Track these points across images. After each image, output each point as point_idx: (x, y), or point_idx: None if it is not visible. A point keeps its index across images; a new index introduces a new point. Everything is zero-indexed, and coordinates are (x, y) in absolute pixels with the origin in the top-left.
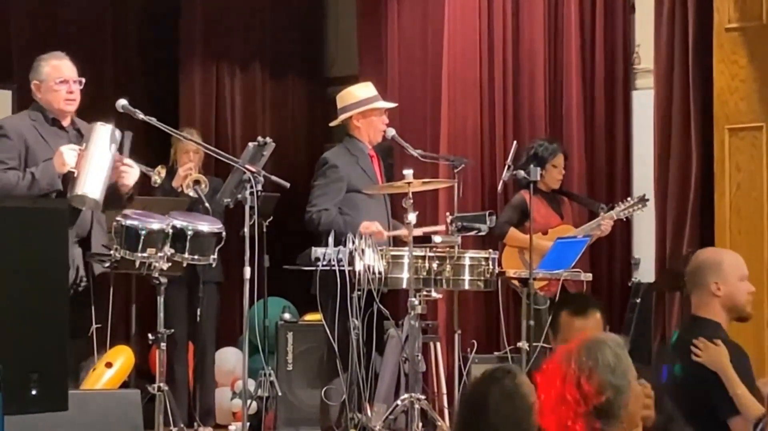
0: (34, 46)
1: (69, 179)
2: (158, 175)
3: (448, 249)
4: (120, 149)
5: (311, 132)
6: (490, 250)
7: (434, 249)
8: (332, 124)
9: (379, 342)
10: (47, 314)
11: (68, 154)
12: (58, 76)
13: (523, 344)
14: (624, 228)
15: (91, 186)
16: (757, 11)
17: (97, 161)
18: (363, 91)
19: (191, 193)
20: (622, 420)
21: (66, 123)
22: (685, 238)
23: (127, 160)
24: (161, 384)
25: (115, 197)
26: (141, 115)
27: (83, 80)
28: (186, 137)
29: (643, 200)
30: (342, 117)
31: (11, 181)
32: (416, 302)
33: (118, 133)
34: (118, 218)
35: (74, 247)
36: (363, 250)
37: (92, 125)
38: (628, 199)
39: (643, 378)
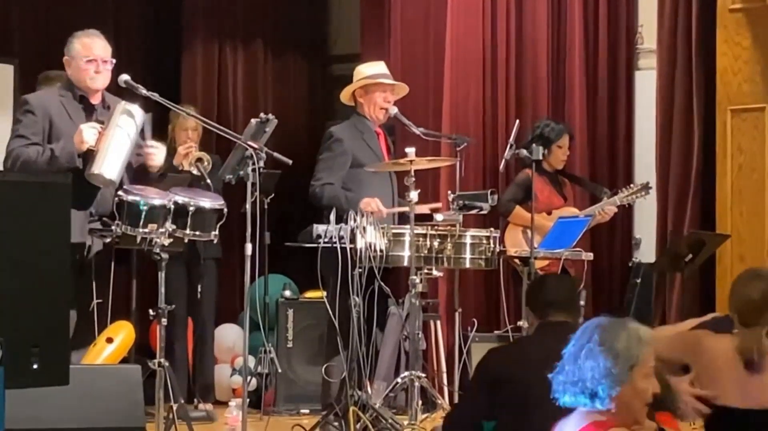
0: (35, 21)
1: (88, 157)
2: None
3: (449, 227)
4: (142, 130)
5: (313, 109)
6: (492, 229)
7: (435, 227)
8: (342, 97)
9: (380, 319)
10: (49, 288)
11: (88, 132)
12: (87, 54)
13: (523, 323)
14: (625, 207)
15: (108, 165)
16: None
17: (116, 140)
18: (370, 68)
19: (194, 171)
20: (612, 408)
21: (95, 100)
22: (686, 219)
23: (151, 142)
24: (161, 360)
25: (145, 176)
26: (143, 91)
27: (114, 61)
28: (189, 113)
29: (646, 187)
30: (346, 90)
31: (31, 156)
32: (417, 280)
33: (140, 112)
34: (119, 193)
35: (95, 224)
36: (364, 228)
37: (118, 101)
38: (631, 185)
39: None
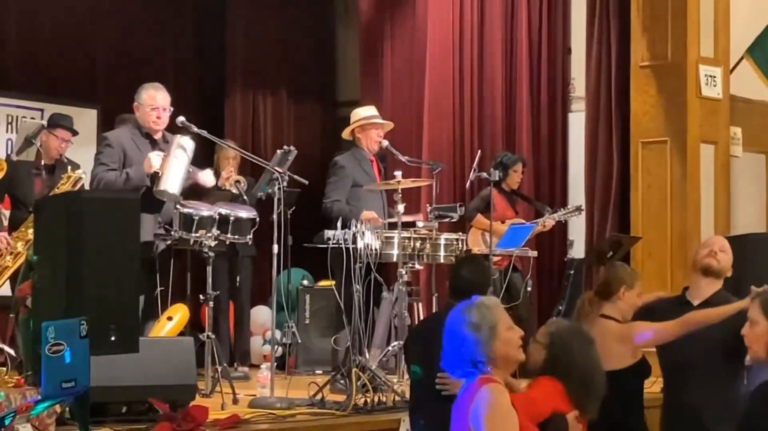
0: (114, 73)
1: (155, 177)
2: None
3: (428, 231)
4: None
5: (324, 142)
6: (460, 233)
7: (417, 231)
8: (343, 134)
9: (375, 302)
10: (123, 279)
11: (155, 159)
12: (152, 103)
13: None
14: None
15: (171, 183)
16: (663, 53)
17: (176, 165)
18: (365, 111)
19: (233, 190)
20: (491, 362)
21: (157, 136)
22: (608, 224)
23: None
24: (209, 334)
25: (205, 191)
26: (195, 129)
27: (172, 109)
28: (230, 146)
29: (578, 209)
30: (347, 129)
31: (111, 178)
32: (404, 272)
33: (192, 144)
34: (177, 207)
35: (159, 230)
36: (364, 232)
37: (174, 136)
38: (568, 206)
39: None
